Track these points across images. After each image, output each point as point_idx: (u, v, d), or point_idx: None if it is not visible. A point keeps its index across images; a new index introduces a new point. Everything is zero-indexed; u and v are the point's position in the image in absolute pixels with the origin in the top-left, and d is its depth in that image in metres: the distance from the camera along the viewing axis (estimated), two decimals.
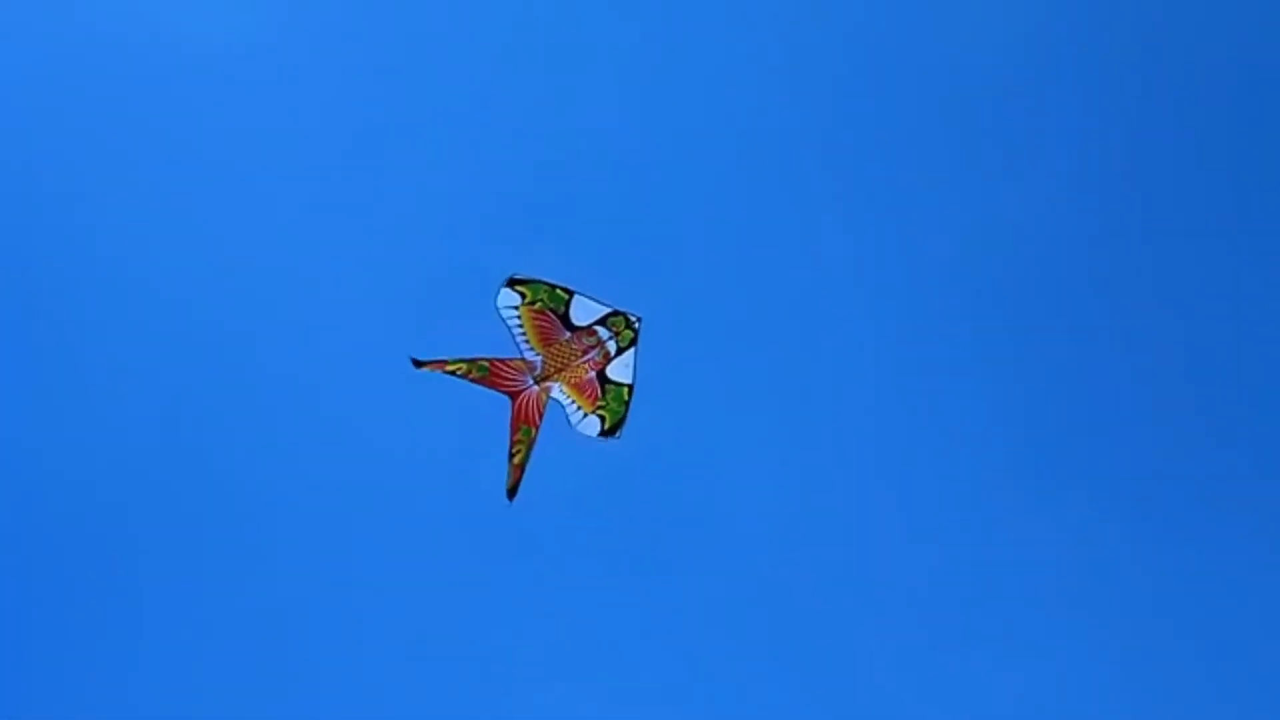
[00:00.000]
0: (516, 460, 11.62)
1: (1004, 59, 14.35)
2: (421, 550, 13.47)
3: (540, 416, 11.71)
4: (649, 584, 14.25)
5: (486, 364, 11.55)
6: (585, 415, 11.82)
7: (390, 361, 11.53)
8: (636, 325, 11.69)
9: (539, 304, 11.49)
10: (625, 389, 11.81)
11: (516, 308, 11.49)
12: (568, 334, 11.60)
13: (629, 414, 11.88)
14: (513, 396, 11.63)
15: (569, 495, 13.26)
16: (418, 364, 11.44)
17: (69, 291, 13.63)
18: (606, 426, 11.87)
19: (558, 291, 11.51)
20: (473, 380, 11.55)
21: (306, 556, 13.60)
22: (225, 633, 13.45)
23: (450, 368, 11.47)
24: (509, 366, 11.59)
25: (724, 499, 14.35)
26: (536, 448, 11.73)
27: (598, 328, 11.64)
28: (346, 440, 13.74)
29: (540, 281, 11.45)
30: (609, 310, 11.64)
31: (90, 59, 13.83)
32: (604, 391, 11.79)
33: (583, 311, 11.61)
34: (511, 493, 11.64)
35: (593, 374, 11.74)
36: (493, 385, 11.62)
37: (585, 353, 11.64)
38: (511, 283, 11.44)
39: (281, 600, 13.55)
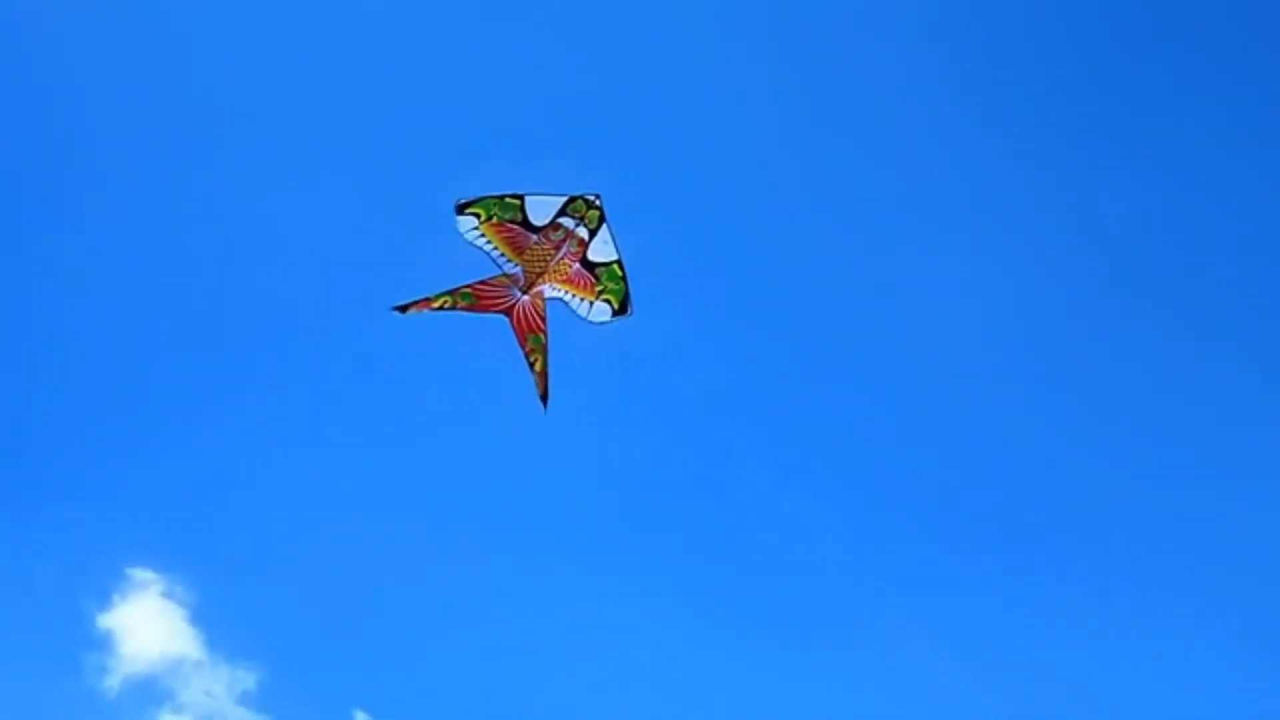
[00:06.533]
0: (538, 367, 11.78)
1: None
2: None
3: (544, 320, 11.83)
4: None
5: (469, 289, 11.70)
6: (591, 304, 11.89)
7: (370, 314, 11.69)
8: (598, 202, 11.68)
9: (494, 217, 11.57)
10: (615, 265, 11.84)
11: (477, 228, 11.58)
12: (535, 236, 11.66)
13: (629, 286, 11.91)
14: (507, 313, 11.78)
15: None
16: (401, 309, 11.63)
17: None
18: (616, 306, 11.92)
19: (507, 200, 11.57)
20: (462, 309, 11.72)
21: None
22: None
23: (435, 304, 11.66)
24: (492, 285, 11.73)
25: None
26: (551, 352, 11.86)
27: (561, 219, 11.67)
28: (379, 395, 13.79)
29: (485, 197, 11.53)
30: (564, 199, 11.65)
31: None
32: (596, 276, 11.83)
33: (539, 209, 11.66)
34: (544, 399, 11.82)
35: (577, 264, 11.79)
36: (483, 309, 11.78)
37: (559, 247, 11.69)
38: (460, 208, 11.53)
39: None
